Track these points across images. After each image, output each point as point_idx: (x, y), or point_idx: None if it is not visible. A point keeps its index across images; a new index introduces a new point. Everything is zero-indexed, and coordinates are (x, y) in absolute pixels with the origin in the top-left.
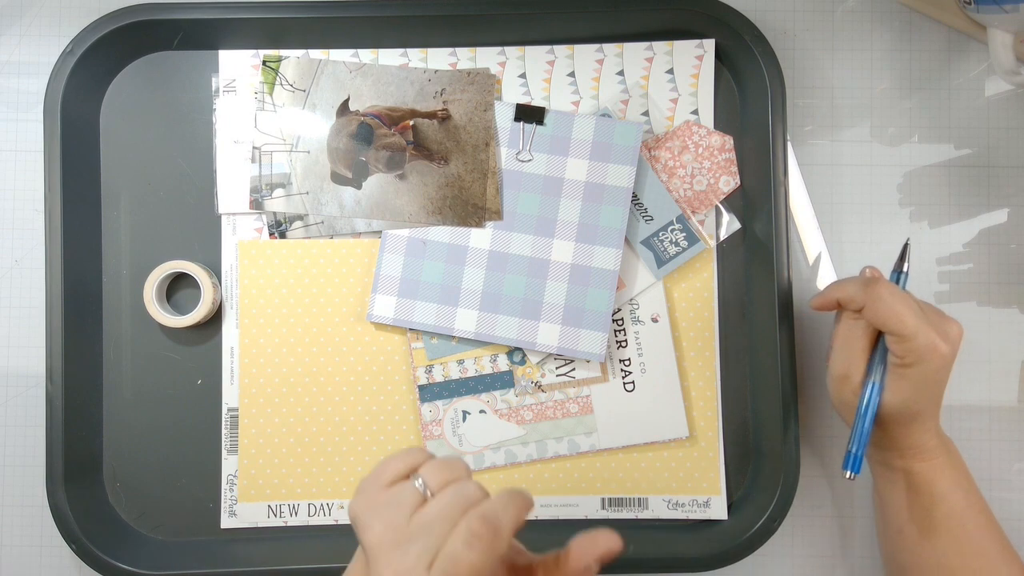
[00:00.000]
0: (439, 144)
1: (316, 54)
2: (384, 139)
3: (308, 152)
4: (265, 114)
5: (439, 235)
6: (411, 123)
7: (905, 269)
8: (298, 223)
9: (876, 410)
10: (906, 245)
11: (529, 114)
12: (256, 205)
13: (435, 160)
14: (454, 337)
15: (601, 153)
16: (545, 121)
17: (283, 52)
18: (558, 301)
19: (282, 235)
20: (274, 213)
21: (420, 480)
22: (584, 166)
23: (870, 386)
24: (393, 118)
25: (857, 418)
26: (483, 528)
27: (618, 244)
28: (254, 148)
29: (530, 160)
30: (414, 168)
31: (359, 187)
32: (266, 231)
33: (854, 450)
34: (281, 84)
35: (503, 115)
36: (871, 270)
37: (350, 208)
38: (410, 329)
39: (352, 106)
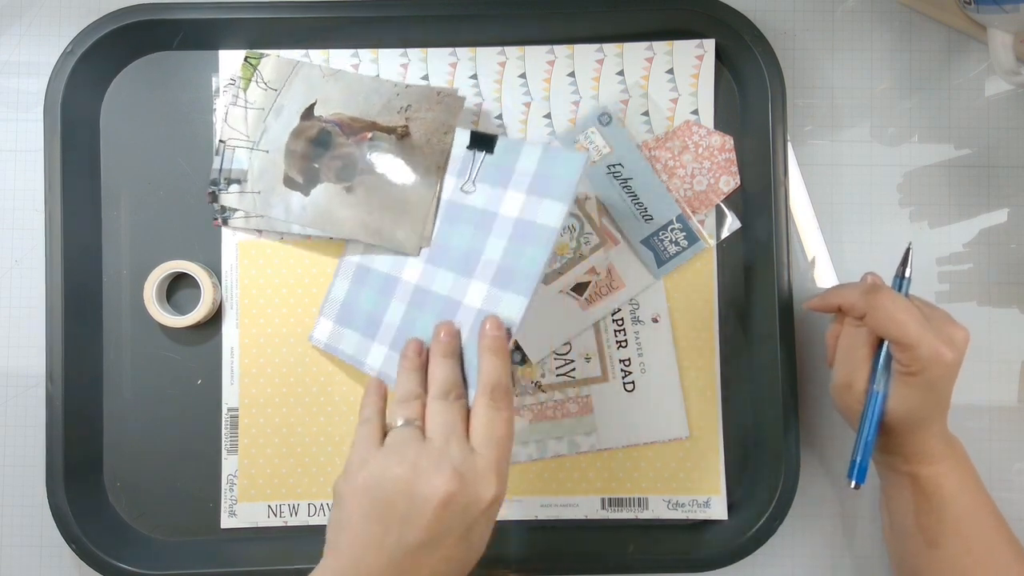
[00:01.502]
0: (393, 160)
1: (316, 55)
2: (340, 148)
3: (267, 152)
4: (237, 109)
5: (382, 264)
6: (370, 135)
7: (907, 274)
8: (240, 213)
9: (880, 419)
10: (908, 250)
11: (481, 141)
12: (212, 197)
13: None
14: None
15: (540, 186)
16: (495, 149)
17: (267, 51)
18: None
19: (225, 222)
20: (216, 191)
21: (401, 419)
22: (520, 201)
23: (874, 395)
24: (353, 128)
25: (861, 427)
26: (500, 391)
27: (526, 292)
28: (220, 141)
29: (473, 192)
30: (362, 182)
31: (307, 194)
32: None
33: (858, 460)
34: (256, 82)
35: (460, 141)
36: (872, 276)
37: (296, 213)
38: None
39: (318, 111)
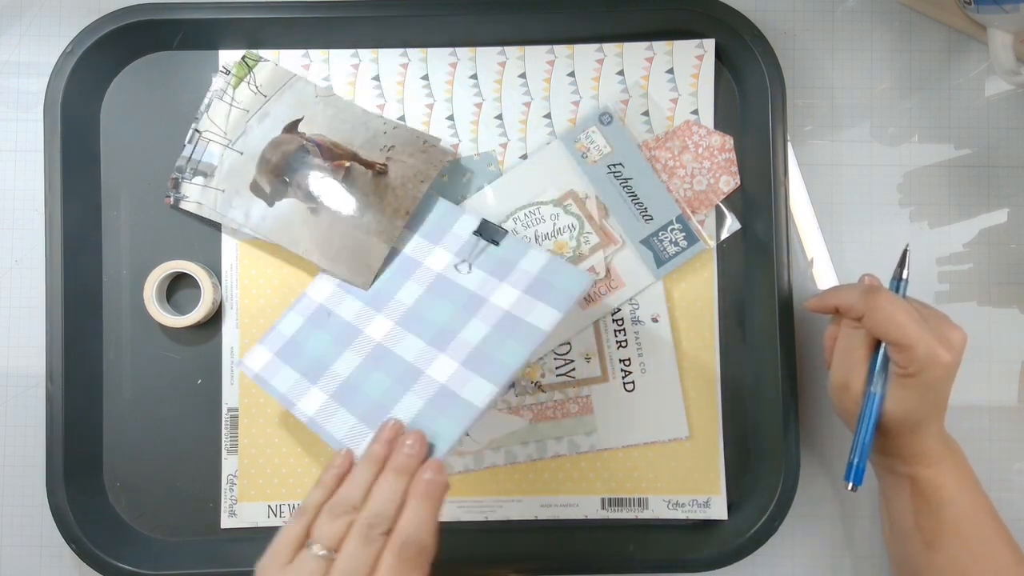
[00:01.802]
0: (363, 195)
1: (316, 55)
2: (316, 168)
3: (241, 154)
4: (221, 104)
5: (348, 311)
6: (347, 164)
7: (905, 276)
8: (194, 203)
9: (877, 420)
10: (905, 252)
11: (489, 232)
12: (174, 184)
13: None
14: None
15: (538, 289)
16: (501, 243)
17: (267, 55)
18: (405, 418)
19: (176, 203)
20: (179, 178)
21: (317, 544)
22: (514, 296)
23: (870, 396)
24: (334, 153)
25: (858, 429)
26: (415, 549)
27: (499, 382)
28: (195, 131)
29: (467, 273)
30: (329, 208)
31: (271, 204)
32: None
33: (855, 461)
34: (248, 83)
35: (465, 225)
36: (870, 278)
37: (255, 221)
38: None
39: (302, 127)
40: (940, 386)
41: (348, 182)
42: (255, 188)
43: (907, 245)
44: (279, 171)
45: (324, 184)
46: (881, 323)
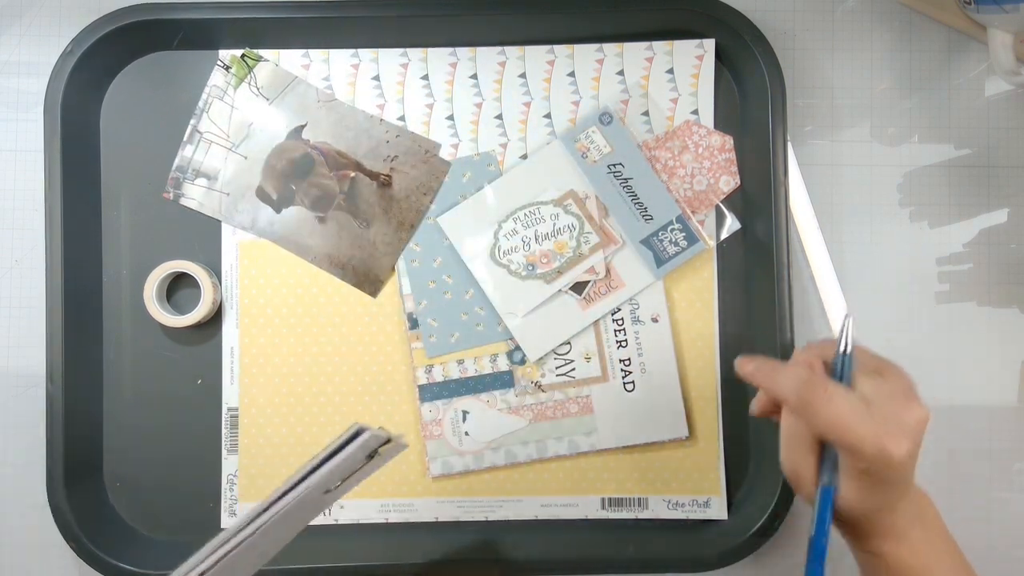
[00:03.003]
0: (369, 206)
1: (316, 55)
2: (320, 178)
3: (245, 158)
4: (222, 105)
5: None
6: (352, 175)
7: (847, 350)
8: (195, 202)
9: (832, 516)
10: (846, 321)
11: None
12: (175, 184)
13: (358, 219)
14: (453, 334)
15: None
16: None
17: (267, 54)
18: None
19: (177, 198)
20: (180, 178)
21: None
22: None
23: (821, 492)
24: (339, 162)
25: (812, 528)
26: None
27: None
28: (195, 130)
29: None
30: (335, 217)
31: (278, 211)
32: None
33: (809, 568)
34: (249, 84)
35: None
36: (806, 355)
37: (261, 227)
38: (409, 329)
39: (306, 134)
40: (896, 478)
41: (353, 192)
42: (261, 194)
43: (847, 315)
44: (285, 178)
45: (330, 194)
46: (820, 426)
